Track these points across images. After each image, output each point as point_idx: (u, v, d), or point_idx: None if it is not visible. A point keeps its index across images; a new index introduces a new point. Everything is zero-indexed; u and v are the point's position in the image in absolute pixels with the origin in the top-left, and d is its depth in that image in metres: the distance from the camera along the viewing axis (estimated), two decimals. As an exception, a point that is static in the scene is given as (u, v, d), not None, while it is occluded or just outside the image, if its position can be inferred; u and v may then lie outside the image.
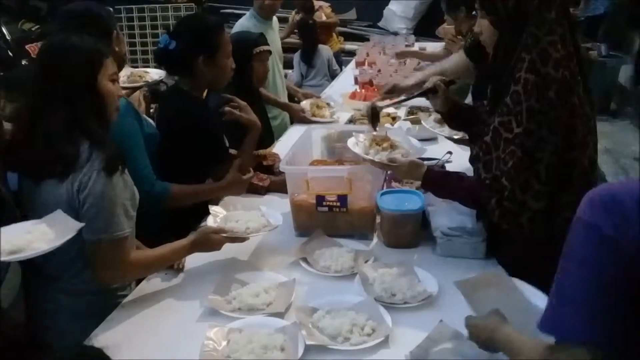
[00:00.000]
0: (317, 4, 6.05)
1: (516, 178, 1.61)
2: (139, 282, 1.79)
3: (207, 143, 2.16)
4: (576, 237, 0.99)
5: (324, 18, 5.99)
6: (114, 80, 1.71)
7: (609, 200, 0.98)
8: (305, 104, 3.59)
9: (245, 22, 3.58)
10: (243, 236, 1.82)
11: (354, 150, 1.96)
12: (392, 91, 2.54)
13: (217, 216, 1.92)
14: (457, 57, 2.74)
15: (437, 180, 1.86)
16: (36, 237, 1.46)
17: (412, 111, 3.51)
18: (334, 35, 6.21)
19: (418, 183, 1.94)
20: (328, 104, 3.59)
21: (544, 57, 1.58)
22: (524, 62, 1.59)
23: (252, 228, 1.84)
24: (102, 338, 1.52)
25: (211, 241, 1.78)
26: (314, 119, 3.41)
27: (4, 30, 5.77)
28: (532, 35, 1.59)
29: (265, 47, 2.84)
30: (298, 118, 3.49)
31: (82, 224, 1.53)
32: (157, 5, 8.00)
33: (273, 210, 1.98)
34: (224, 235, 1.79)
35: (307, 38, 5.37)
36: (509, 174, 1.62)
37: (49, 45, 1.70)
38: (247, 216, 1.91)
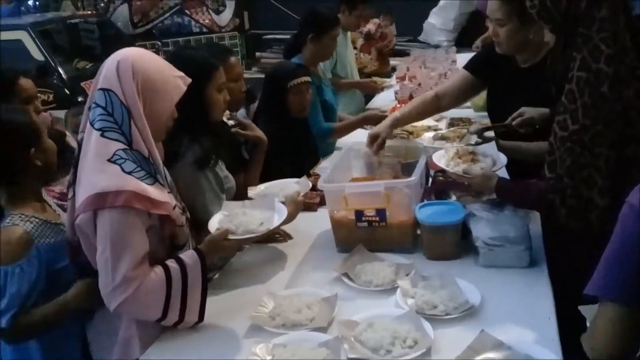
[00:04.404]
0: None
1: (578, 175, 1.61)
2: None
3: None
4: (621, 215, 1.16)
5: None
6: (222, 89, 2.04)
7: None
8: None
9: None
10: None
11: (437, 163, 2.07)
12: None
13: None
14: (456, 79, 2.54)
15: (508, 189, 1.88)
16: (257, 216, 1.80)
17: (453, 122, 3.47)
18: None
19: None
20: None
21: (595, 54, 1.59)
22: (576, 62, 1.62)
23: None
24: (154, 354, 1.60)
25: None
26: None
27: (60, 69, 6.10)
28: (582, 35, 1.62)
29: (302, 79, 2.77)
30: (370, 90, 4.34)
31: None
32: (202, 36, 8.28)
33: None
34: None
35: None
36: (570, 171, 1.62)
37: (170, 56, 2.07)
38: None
